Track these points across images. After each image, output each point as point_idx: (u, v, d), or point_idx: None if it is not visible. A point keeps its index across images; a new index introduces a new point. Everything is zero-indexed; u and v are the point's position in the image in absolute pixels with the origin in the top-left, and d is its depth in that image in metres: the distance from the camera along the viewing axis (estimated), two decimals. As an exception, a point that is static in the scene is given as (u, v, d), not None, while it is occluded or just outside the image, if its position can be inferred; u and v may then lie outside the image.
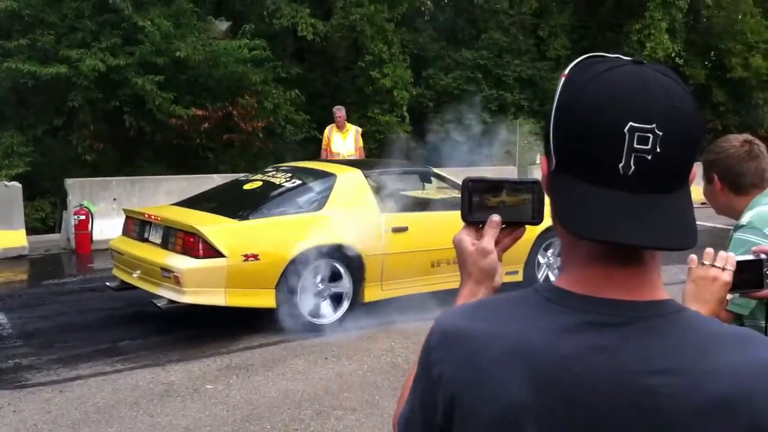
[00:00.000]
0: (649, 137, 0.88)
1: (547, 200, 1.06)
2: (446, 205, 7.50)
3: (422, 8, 18.15)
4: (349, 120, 11.85)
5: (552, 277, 7.66)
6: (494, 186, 1.15)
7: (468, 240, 1.15)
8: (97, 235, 10.22)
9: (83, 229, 10.18)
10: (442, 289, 6.79)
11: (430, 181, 8.33)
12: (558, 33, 20.92)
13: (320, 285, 6.57)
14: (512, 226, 1.16)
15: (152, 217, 6.67)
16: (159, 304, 6.17)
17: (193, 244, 6.09)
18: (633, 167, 0.88)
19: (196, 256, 6.06)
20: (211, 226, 6.25)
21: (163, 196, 10.64)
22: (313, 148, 12.60)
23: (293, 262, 6.31)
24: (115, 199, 10.87)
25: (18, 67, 12.88)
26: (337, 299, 6.67)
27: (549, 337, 0.92)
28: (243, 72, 15.00)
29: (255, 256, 6.19)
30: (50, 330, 6.61)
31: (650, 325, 0.91)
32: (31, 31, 13.50)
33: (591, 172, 0.91)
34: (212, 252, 6.05)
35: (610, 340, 0.90)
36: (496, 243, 1.14)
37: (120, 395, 5.06)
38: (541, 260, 7.74)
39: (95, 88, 13.66)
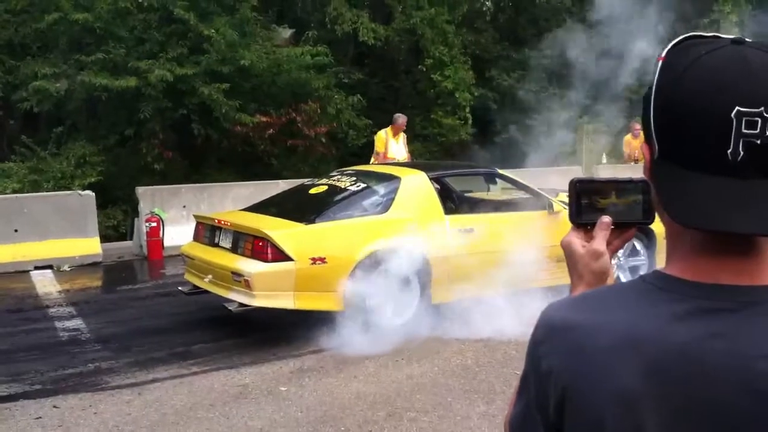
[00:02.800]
0: (757, 121, 0.86)
1: None
2: (512, 206, 7.44)
3: (483, 9, 18.07)
4: (412, 123, 11.88)
5: (623, 278, 7.51)
6: (603, 187, 1.13)
7: (578, 242, 1.13)
8: (168, 242, 10.44)
9: (155, 235, 10.42)
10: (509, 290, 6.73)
11: (495, 182, 8.27)
12: (622, 29, 20.56)
13: (387, 287, 6.56)
14: (622, 227, 1.14)
15: (222, 222, 6.79)
16: (230, 308, 6.28)
17: (262, 248, 6.18)
18: (742, 153, 0.86)
19: (265, 260, 6.14)
20: (280, 230, 6.32)
21: (230, 202, 10.82)
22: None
23: (360, 264, 6.34)
24: (184, 206, 11.08)
25: (91, 80, 13.29)
26: (404, 302, 6.65)
27: (661, 324, 0.91)
28: (306, 78, 15.16)
29: (322, 260, 6.24)
30: (126, 334, 6.79)
31: (766, 310, 0.90)
32: (103, 44, 13.89)
33: (697, 160, 0.89)
34: (281, 256, 6.12)
35: (726, 326, 0.89)
36: (606, 244, 1.12)
37: (196, 397, 5.17)
38: (611, 261, 7.57)
39: (163, 98, 13.98)
